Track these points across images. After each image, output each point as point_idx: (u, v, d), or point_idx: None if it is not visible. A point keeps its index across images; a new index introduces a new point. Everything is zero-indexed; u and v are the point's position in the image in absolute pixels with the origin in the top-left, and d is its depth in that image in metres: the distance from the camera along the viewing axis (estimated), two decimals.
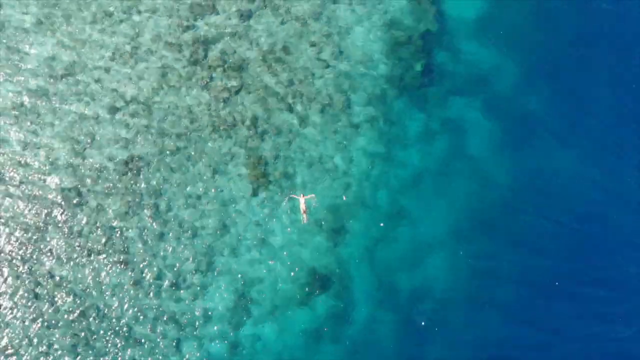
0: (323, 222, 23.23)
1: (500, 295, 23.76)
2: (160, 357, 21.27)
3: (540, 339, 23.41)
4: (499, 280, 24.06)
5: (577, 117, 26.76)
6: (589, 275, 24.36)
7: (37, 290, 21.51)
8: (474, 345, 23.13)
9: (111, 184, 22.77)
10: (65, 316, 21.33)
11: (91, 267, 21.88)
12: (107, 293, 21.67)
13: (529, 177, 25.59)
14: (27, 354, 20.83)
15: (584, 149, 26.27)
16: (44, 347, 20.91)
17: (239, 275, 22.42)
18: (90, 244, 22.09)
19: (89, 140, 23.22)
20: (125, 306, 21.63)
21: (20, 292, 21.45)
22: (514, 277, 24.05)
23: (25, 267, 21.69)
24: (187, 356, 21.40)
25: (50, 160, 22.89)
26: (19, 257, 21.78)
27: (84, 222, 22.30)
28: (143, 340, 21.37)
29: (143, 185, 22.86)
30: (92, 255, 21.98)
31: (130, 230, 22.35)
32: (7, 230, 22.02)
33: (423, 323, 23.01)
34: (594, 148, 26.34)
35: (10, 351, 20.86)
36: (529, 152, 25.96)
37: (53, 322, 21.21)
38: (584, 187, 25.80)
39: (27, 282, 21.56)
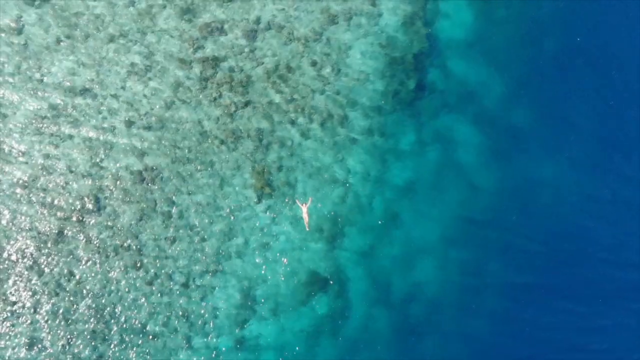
0: (322, 228, 25.06)
1: (486, 297, 25.54)
2: (172, 352, 23.04)
3: (520, 335, 25.19)
4: (484, 282, 25.86)
5: (561, 130, 28.54)
6: (570, 286, 26.15)
7: (58, 289, 23.30)
8: (461, 341, 24.90)
9: (127, 192, 24.62)
10: (85, 313, 23.13)
11: (108, 267, 23.70)
12: (123, 292, 23.48)
13: (515, 186, 27.34)
14: (49, 347, 22.60)
15: (567, 160, 28.07)
16: (65, 341, 22.69)
17: (244, 277, 24.22)
18: (107, 247, 23.92)
19: (106, 151, 25.08)
20: (140, 304, 23.42)
21: (43, 291, 23.24)
22: (500, 280, 25.85)
23: (48, 268, 23.49)
24: (196, 351, 23.16)
25: (70, 169, 24.74)
26: (42, 259, 23.59)
27: (101, 226, 24.13)
28: (156, 336, 23.15)
29: (157, 193, 24.72)
30: (109, 257, 23.80)
31: (144, 235, 24.17)
32: (30, 233, 23.83)
33: (414, 321, 24.82)
34: (578, 159, 28.13)
35: (34, 345, 22.63)
36: (515, 162, 27.75)
37: (73, 318, 22.99)
38: (568, 196, 27.61)
39: (49, 282, 23.37)
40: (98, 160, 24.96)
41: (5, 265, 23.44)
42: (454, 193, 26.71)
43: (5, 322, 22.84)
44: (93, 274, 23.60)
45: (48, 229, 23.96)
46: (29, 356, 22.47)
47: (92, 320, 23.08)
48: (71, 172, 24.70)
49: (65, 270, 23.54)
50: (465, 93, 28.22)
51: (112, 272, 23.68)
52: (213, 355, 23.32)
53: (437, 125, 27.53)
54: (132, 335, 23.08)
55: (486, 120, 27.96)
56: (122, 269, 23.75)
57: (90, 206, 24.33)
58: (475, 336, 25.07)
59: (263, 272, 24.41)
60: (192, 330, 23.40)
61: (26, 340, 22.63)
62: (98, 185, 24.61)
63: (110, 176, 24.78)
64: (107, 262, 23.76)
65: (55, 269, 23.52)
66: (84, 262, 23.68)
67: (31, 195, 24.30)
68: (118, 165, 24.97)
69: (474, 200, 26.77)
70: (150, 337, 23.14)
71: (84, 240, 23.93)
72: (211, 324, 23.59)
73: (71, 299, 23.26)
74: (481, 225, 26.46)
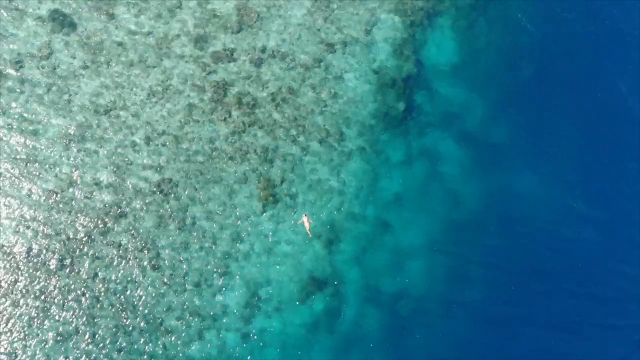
0: (320, 234, 27.97)
1: (469, 297, 28.35)
2: (186, 344, 25.81)
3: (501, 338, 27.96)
4: (469, 284, 28.70)
5: (541, 146, 31.48)
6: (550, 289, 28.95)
7: (83, 288, 26.11)
8: (447, 339, 27.61)
9: (146, 201, 27.56)
10: (107, 309, 25.93)
11: (129, 269, 26.55)
12: (141, 291, 26.30)
13: (497, 197, 30.21)
14: (75, 341, 25.35)
15: (548, 173, 30.96)
16: (89, 335, 25.45)
17: (250, 278, 27.07)
18: (128, 250, 26.79)
19: (127, 165, 28.05)
20: (157, 302, 26.24)
21: (69, 290, 26.05)
22: (482, 280, 28.70)
23: (74, 268, 26.32)
24: (207, 344, 25.94)
25: (95, 181, 27.67)
26: (69, 260, 26.43)
27: (123, 232, 27.02)
28: (171, 330, 25.94)
29: (172, 202, 27.65)
30: (130, 259, 26.66)
31: (161, 239, 27.06)
32: (59, 237, 26.68)
33: (404, 318, 27.62)
34: (558, 173, 31.03)
35: (60, 338, 25.39)
36: (497, 176, 30.68)
37: (97, 314, 25.79)
38: (547, 207, 30.48)
39: (75, 281, 26.19)
40: (120, 173, 27.91)
41: (37, 266, 26.27)
42: (439, 203, 29.61)
43: (36, 318, 25.62)
44: (115, 274, 26.44)
45: (74, 234, 26.82)
46: (57, 348, 25.16)
47: (113, 316, 25.87)
48: (96, 184, 27.63)
49: (92, 271, 26.36)
50: (450, 113, 31.22)
51: (132, 273, 26.51)
52: (222, 348, 26.07)
53: (423, 142, 30.51)
54: (149, 329, 25.85)
55: (469, 137, 30.88)
56: (142, 270, 26.58)
57: (113, 214, 27.22)
58: (459, 334, 27.77)
59: (267, 273, 27.25)
60: (203, 325, 26.18)
61: (55, 335, 25.37)
62: (120, 195, 27.54)
63: (131, 187, 27.72)
64: (128, 264, 26.60)
65: (80, 270, 26.33)
66: (107, 264, 26.52)
67: (60, 204, 27.18)
68: (138, 177, 27.93)
69: (457, 209, 29.62)
70: (166, 330, 25.90)
71: (107, 244, 26.80)
72: (220, 319, 26.37)
73: (95, 296, 26.06)
74: (464, 232, 29.31)
